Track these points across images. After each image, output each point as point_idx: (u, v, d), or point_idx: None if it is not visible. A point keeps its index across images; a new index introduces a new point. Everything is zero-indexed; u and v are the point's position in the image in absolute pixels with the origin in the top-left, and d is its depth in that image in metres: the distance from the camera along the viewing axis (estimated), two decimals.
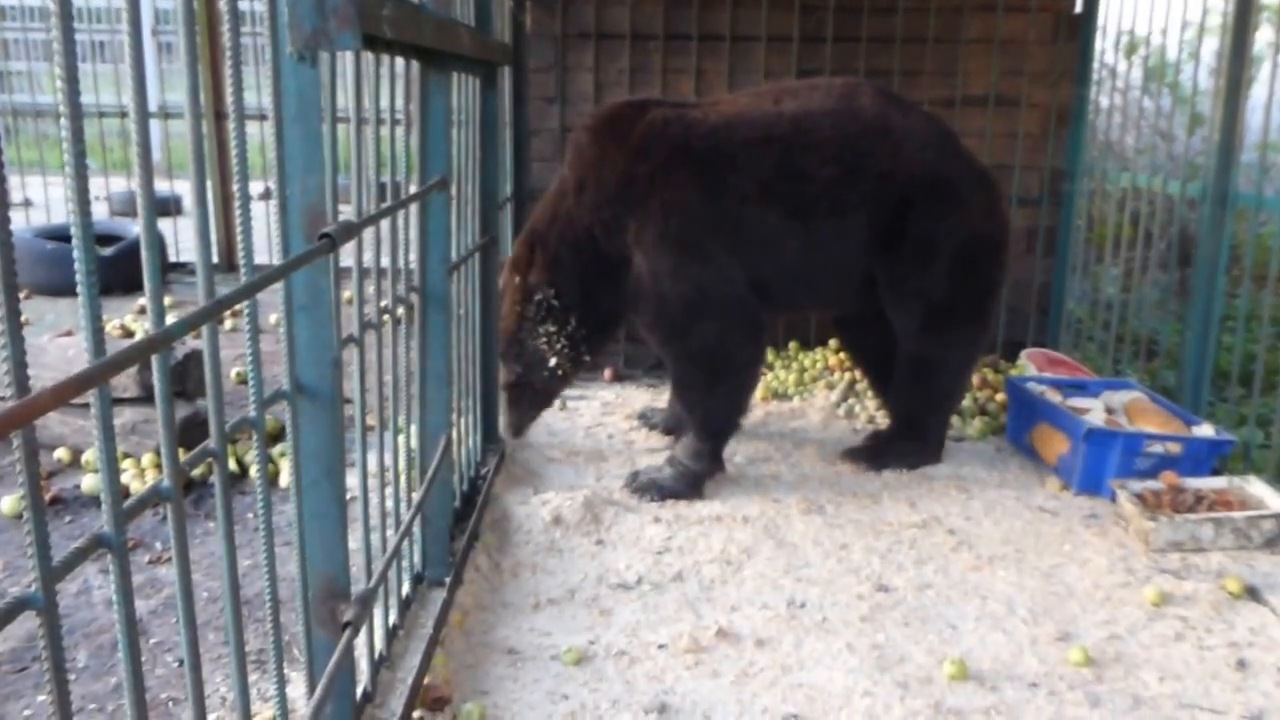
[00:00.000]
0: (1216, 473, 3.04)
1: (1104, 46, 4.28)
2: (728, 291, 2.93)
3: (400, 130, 1.95)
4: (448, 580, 2.25)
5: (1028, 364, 3.99)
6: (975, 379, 3.98)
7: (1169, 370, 4.07)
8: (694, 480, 2.97)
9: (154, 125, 6.24)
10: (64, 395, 0.78)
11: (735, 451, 3.30)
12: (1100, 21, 4.24)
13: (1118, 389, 3.46)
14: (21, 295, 5.34)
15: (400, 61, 1.91)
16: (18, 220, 6.02)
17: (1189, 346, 3.55)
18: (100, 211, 6.55)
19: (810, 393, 3.94)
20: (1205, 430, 3.10)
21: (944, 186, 3.01)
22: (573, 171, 3.05)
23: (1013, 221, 4.30)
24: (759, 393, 3.88)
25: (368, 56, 1.66)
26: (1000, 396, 3.80)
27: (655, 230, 2.90)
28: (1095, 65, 4.29)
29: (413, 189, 2.02)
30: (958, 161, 3.09)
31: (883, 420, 3.55)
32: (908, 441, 3.24)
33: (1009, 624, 2.30)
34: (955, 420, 3.62)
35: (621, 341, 4.15)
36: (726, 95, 3.39)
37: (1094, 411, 3.23)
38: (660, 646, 2.17)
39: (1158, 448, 2.99)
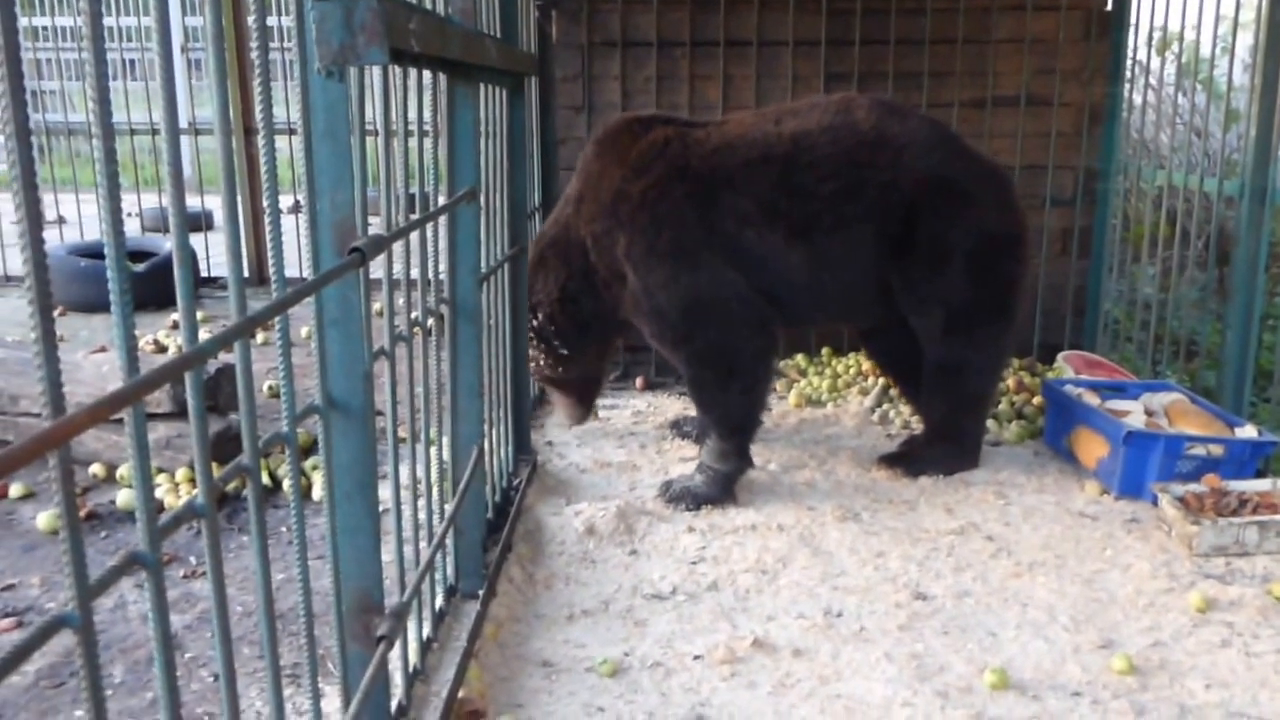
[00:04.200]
0: (1260, 475, 2.97)
1: (1136, 43, 4.22)
2: (724, 292, 2.93)
3: (428, 142, 1.96)
4: (481, 592, 2.24)
5: (1065, 366, 3.93)
6: (1012, 382, 3.93)
7: (1209, 371, 3.99)
8: (725, 482, 2.96)
9: (184, 141, 6.32)
10: (99, 415, 0.78)
11: (769, 459, 3.27)
12: (1132, 18, 4.18)
13: (1157, 391, 3.40)
14: (58, 312, 5.43)
15: (427, 74, 1.91)
16: (51, 238, 6.12)
17: (1230, 346, 3.48)
18: (132, 228, 6.63)
19: (844, 399, 3.90)
20: (1248, 431, 3.03)
21: (950, 188, 2.99)
22: (578, 182, 3.14)
23: (1047, 222, 4.26)
24: (792, 399, 3.86)
25: (395, 69, 1.66)
26: (1037, 400, 3.74)
27: (644, 245, 2.93)
28: (1128, 62, 4.23)
29: (441, 200, 2.02)
30: (962, 162, 3.06)
31: (918, 425, 3.51)
32: (943, 447, 3.19)
33: (1050, 632, 2.26)
34: (992, 425, 3.57)
35: (652, 350, 4.13)
36: (733, 115, 3.42)
37: (1134, 414, 3.17)
38: (696, 657, 2.15)
39: (1200, 450, 2.93)
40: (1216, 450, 2.93)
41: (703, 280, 2.91)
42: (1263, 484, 2.83)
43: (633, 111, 3.52)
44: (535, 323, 3.15)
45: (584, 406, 3.42)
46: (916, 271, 3.01)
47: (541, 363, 3.24)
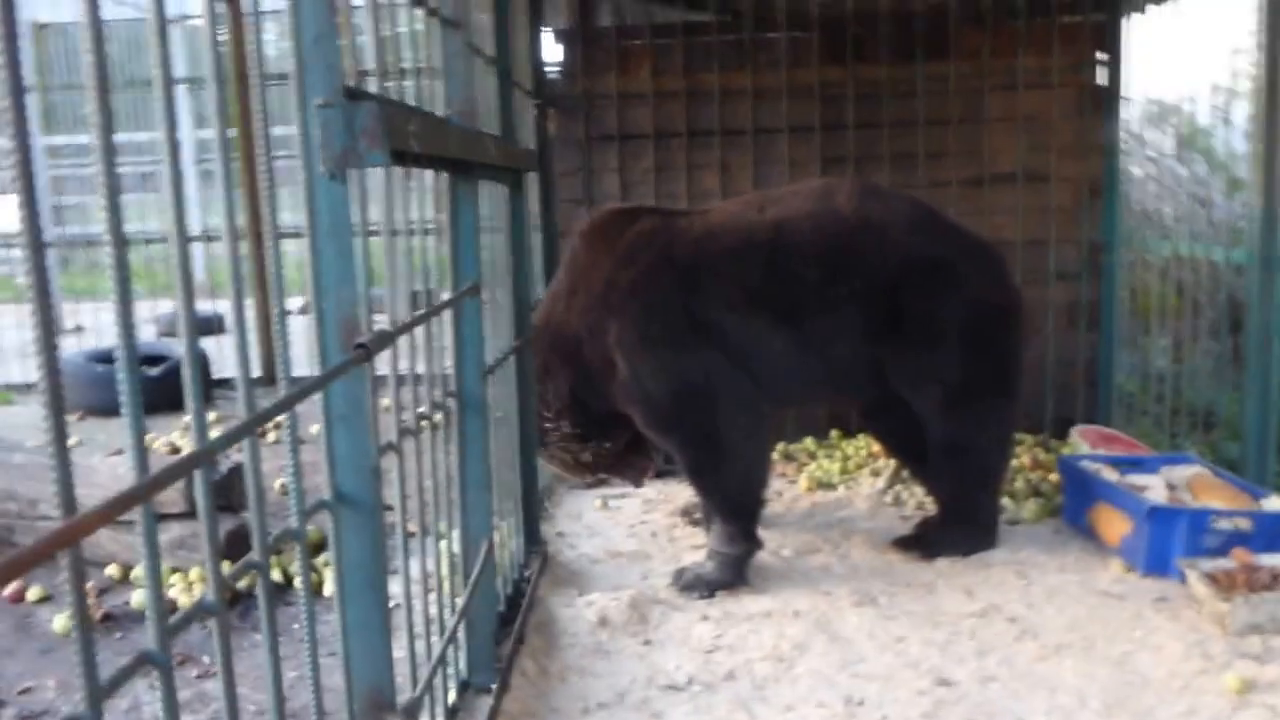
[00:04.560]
0: None
1: (1130, 116, 4.29)
2: (711, 378, 2.95)
3: (431, 239, 1.99)
4: (494, 687, 2.19)
5: (1080, 441, 3.89)
6: (1026, 459, 3.89)
7: (1229, 442, 3.95)
8: (736, 565, 2.92)
9: (198, 248, 6.46)
10: (110, 515, 0.78)
11: (782, 544, 3.23)
12: (1124, 92, 4.26)
13: (1177, 464, 3.35)
14: (76, 417, 5.48)
15: (429, 173, 1.96)
16: (70, 345, 6.21)
17: (1249, 416, 3.45)
18: (148, 333, 6.73)
19: (855, 481, 3.86)
20: (1275, 503, 2.98)
21: (936, 266, 3.02)
22: (567, 276, 3.16)
23: (1052, 297, 4.28)
24: (803, 484, 3.82)
25: (397, 170, 1.70)
26: (1054, 477, 3.69)
27: (635, 334, 2.96)
28: (1123, 136, 4.30)
29: (445, 295, 2.04)
30: (947, 239, 3.10)
31: (932, 506, 3.47)
32: (959, 527, 3.15)
33: (1082, 718, 2.18)
34: (1009, 503, 3.52)
35: None
36: (717, 204, 3.48)
37: (1154, 488, 3.12)
38: None
39: (1226, 524, 2.87)
40: (1243, 524, 2.87)
41: (689, 365, 2.94)
42: None
43: (616, 204, 3.59)
44: (561, 430, 3.16)
45: (640, 468, 3.43)
46: (908, 351, 3.02)
47: (579, 460, 3.26)
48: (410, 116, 1.47)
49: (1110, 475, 3.23)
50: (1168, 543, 2.88)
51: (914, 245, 3.02)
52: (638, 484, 3.53)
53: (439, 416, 1.98)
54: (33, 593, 2.97)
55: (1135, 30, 4.12)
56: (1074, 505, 3.33)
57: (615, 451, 3.33)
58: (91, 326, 6.64)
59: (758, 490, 3.03)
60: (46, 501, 3.16)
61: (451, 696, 2.08)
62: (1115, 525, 3.05)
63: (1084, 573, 2.98)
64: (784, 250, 2.99)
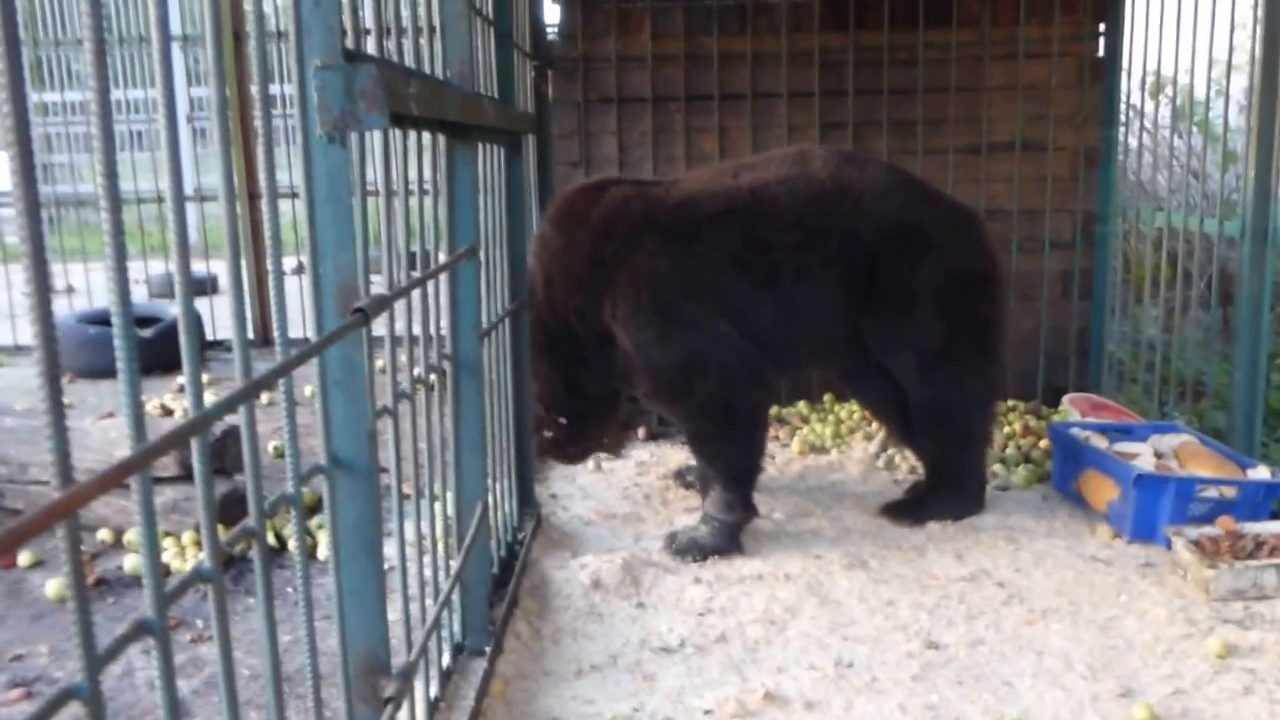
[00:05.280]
0: (1275, 516, 2.95)
1: (1129, 88, 4.28)
2: (718, 344, 2.94)
3: (428, 201, 1.98)
4: (488, 649, 2.22)
5: (1070, 409, 3.92)
6: (1018, 426, 3.91)
7: (1218, 411, 3.98)
8: (731, 532, 2.94)
9: (190, 208, 6.40)
10: (107, 484, 0.78)
11: (774, 508, 3.26)
12: (1124, 63, 4.24)
13: (1166, 432, 3.38)
14: (66, 379, 5.46)
15: (427, 134, 1.95)
16: (61, 306, 6.18)
17: (1237, 387, 3.47)
18: (140, 294, 6.70)
19: (848, 445, 3.89)
20: (1260, 473, 3.01)
21: (910, 233, 3.02)
22: (539, 266, 3.08)
23: (1047, 265, 4.28)
24: (795, 447, 3.85)
25: (395, 132, 1.69)
26: (1044, 443, 3.73)
27: (629, 305, 2.94)
28: (1122, 106, 4.29)
29: (442, 258, 2.04)
30: (924, 205, 3.09)
31: (923, 470, 3.50)
32: (946, 492, 3.18)
33: (1067, 680, 2.22)
34: (999, 469, 3.55)
35: None
36: (686, 172, 3.44)
37: (1143, 456, 3.15)
38: (706, 712, 2.12)
39: (1212, 492, 2.91)
40: (1229, 492, 2.91)
41: (694, 334, 2.93)
42: (1278, 526, 2.81)
43: (581, 180, 3.52)
44: (555, 426, 3.17)
45: (614, 448, 3.48)
46: (883, 317, 3.03)
47: (562, 451, 3.30)
48: (409, 79, 1.46)
49: (1100, 443, 3.26)
50: (1154, 510, 2.92)
51: (888, 212, 3.01)
52: (616, 454, 3.56)
53: (434, 379, 1.98)
54: (24, 558, 2.95)
55: (1136, 1, 4.09)
56: (1063, 472, 3.36)
57: (586, 447, 3.36)
58: (82, 287, 6.60)
59: (759, 459, 3.05)
60: (37, 465, 3.15)
61: (446, 659, 2.10)
62: (1103, 492, 3.09)
63: (1072, 538, 3.01)
64: (760, 217, 2.98)
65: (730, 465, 2.98)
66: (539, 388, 3.12)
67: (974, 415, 3.16)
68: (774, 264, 2.97)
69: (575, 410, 3.18)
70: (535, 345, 3.06)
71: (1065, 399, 4.05)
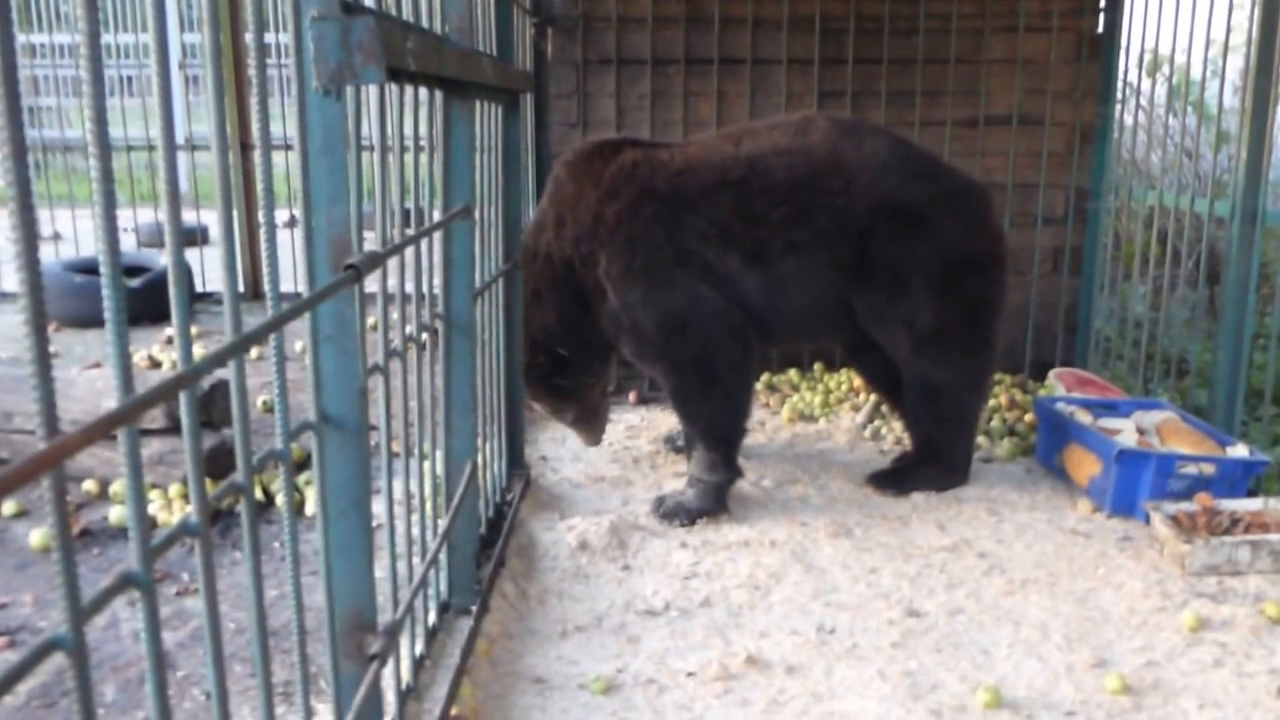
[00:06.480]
0: (1252, 494, 2.99)
1: (1127, 65, 4.26)
2: (700, 306, 2.95)
3: (424, 158, 1.96)
4: (474, 609, 2.23)
5: (1056, 384, 3.94)
6: (1003, 399, 3.94)
7: (1200, 389, 4.01)
8: (716, 493, 2.97)
9: (181, 157, 6.32)
10: (94, 436, 0.78)
11: (762, 475, 3.28)
12: (1123, 41, 4.22)
13: (1149, 409, 3.41)
14: (52, 328, 5.42)
15: (424, 90, 1.92)
16: (47, 253, 6.11)
17: (1220, 366, 3.50)
18: (128, 243, 6.63)
19: (836, 414, 3.91)
20: (1239, 450, 3.04)
21: (906, 213, 2.98)
22: (552, 204, 3.12)
23: (1039, 240, 4.29)
24: (784, 415, 3.87)
25: (391, 86, 1.67)
26: (1029, 417, 3.75)
27: (621, 265, 2.96)
28: (1119, 84, 4.27)
29: (436, 216, 2.02)
30: (924, 184, 3.03)
31: (909, 441, 3.52)
32: (931, 464, 3.20)
33: (1043, 650, 2.26)
34: (984, 441, 3.58)
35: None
36: (698, 136, 3.40)
37: (1125, 432, 3.18)
38: (689, 674, 2.14)
39: (1191, 469, 2.94)
40: (1208, 469, 2.94)
41: (677, 296, 2.94)
42: (1254, 503, 2.84)
43: (599, 135, 3.50)
44: (540, 359, 3.14)
45: (599, 427, 3.42)
46: (875, 296, 3.02)
47: (546, 398, 3.26)
48: (407, 33, 1.44)
49: (1084, 418, 3.29)
50: (1135, 485, 2.95)
51: (884, 190, 2.97)
52: (588, 444, 3.46)
53: (426, 338, 1.97)
54: (7, 507, 2.94)
55: None
56: (1047, 445, 3.39)
57: (587, 403, 3.33)
58: (69, 234, 6.53)
59: (741, 419, 3.05)
60: (22, 414, 3.14)
61: (432, 618, 2.12)
62: (1086, 466, 3.12)
63: (1053, 511, 3.05)
64: (753, 189, 2.96)
65: (711, 424, 3.00)
66: (542, 317, 3.12)
67: (963, 395, 3.16)
68: (762, 238, 2.96)
69: (571, 348, 3.16)
70: (544, 277, 3.08)
71: (1051, 373, 4.07)
